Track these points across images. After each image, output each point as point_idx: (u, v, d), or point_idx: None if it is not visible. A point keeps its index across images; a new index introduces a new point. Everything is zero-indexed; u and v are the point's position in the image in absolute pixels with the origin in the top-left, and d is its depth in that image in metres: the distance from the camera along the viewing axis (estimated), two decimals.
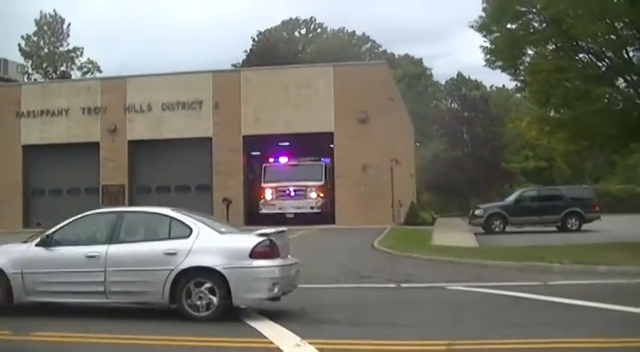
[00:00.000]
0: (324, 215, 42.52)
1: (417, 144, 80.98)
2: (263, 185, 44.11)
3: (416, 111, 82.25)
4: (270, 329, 12.27)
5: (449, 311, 14.60)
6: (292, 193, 43.44)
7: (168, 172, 44.78)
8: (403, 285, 18.35)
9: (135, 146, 45.18)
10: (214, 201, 43.29)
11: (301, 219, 41.30)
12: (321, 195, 43.32)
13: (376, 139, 41.69)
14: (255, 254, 13.28)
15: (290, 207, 42.93)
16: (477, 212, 41.43)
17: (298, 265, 14.76)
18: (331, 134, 42.82)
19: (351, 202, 41.60)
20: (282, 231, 14.56)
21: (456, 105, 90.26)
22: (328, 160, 44.26)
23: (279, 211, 42.70)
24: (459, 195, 76.71)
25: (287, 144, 46.21)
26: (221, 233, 14.03)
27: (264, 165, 45.28)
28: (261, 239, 13.44)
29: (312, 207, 42.84)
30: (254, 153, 47.07)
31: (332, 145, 43.25)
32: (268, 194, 43.72)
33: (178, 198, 43.89)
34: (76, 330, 12.46)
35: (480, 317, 13.57)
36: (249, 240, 13.57)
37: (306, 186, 43.35)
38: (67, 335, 12.13)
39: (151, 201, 44.40)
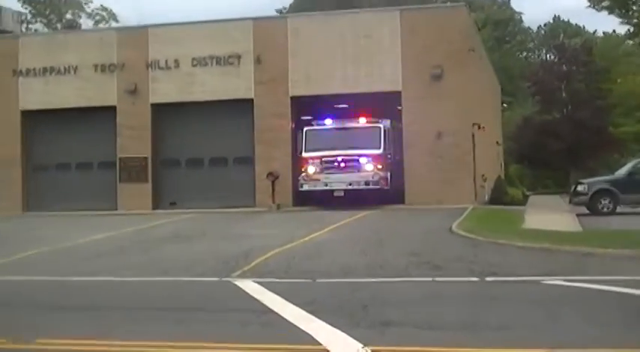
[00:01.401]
0: (386, 193, 41.11)
1: (504, 105, 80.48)
2: (304, 154, 41.88)
3: (502, 65, 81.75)
4: (325, 333, 12.30)
5: (545, 310, 14.46)
6: (342, 165, 41.01)
7: (201, 142, 44.77)
8: (488, 279, 18.26)
9: (160, 110, 45.28)
10: (257, 176, 43.07)
11: (354, 197, 40.40)
12: (380, 166, 40.87)
13: (453, 100, 41.31)
14: None
15: (339, 182, 40.64)
16: (579, 188, 40.95)
17: None
18: (398, 93, 42.43)
19: (424, 177, 41.18)
20: None
21: (552, 57, 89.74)
22: (389, 122, 42.37)
23: (325, 188, 40.84)
24: (555, 167, 76.28)
25: (345, 106, 45.86)
26: None
27: (305, 129, 42.90)
28: None
29: (367, 183, 40.40)
30: (304, 118, 45.78)
31: (399, 107, 42.85)
32: (311, 166, 41.40)
33: (213, 173, 44.23)
34: (88, 335, 12.71)
35: (584, 319, 13.45)
36: None
37: (360, 156, 40.99)
38: (76, 343, 12.27)
39: (180, 176, 44.74)
